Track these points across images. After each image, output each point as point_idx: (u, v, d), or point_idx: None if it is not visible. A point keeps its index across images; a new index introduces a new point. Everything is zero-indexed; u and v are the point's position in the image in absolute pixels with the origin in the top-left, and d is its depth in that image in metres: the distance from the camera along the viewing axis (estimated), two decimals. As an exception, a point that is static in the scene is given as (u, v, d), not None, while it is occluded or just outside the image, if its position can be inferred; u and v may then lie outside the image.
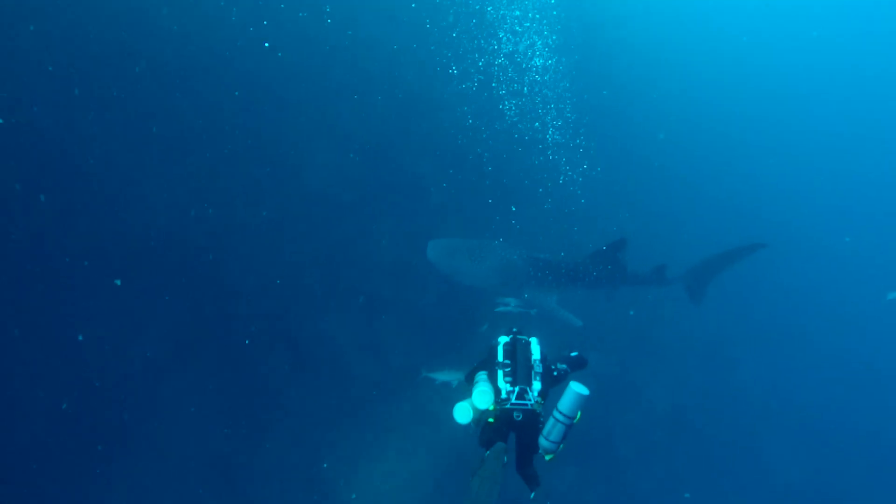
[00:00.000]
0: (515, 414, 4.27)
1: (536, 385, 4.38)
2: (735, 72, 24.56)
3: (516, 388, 4.31)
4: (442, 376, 7.56)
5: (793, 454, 12.15)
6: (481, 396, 4.26)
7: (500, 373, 4.41)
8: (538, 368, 4.44)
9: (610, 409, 10.32)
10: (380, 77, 11.82)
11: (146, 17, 9.14)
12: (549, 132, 13.28)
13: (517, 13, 13.04)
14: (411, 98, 12.07)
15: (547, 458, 4.27)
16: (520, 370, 4.39)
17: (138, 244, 8.02)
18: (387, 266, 9.81)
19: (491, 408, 4.31)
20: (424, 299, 9.55)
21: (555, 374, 4.60)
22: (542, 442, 4.21)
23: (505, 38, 13.17)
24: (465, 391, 4.58)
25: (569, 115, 13.40)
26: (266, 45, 10.30)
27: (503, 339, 4.62)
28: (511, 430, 4.35)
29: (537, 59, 13.38)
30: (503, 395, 4.31)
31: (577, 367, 4.85)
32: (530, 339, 4.63)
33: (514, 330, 4.75)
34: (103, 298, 7.55)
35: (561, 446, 4.22)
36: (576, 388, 4.15)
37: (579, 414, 4.17)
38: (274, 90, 10.43)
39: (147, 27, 9.09)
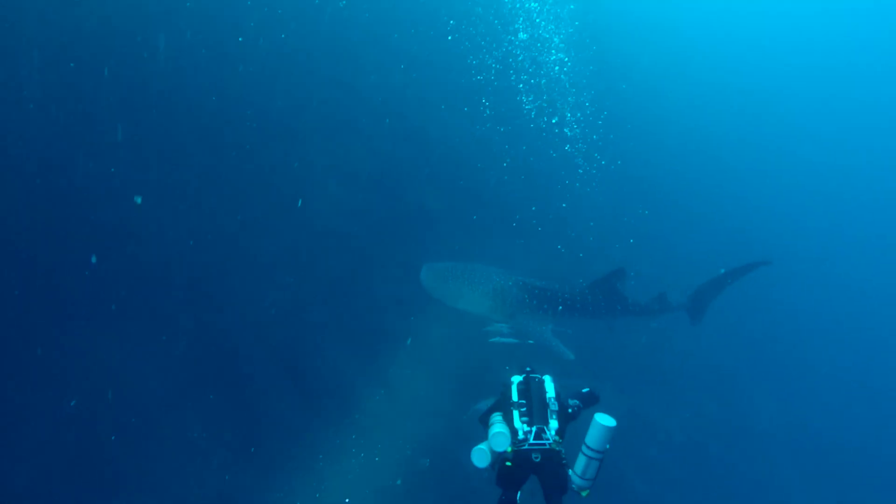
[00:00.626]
0: (534, 455, 4.13)
1: (553, 424, 4.26)
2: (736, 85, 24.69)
3: (533, 428, 4.20)
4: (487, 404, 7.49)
5: (812, 484, 11.83)
6: (498, 439, 4.13)
7: (515, 413, 4.30)
8: (554, 406, 4.34)
9: (624, 443, 10.08)
10: (385, 108, 11.92)
11: (150, 57, 9.27)
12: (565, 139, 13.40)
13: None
14: (416, 129, 12.16)
15: (584, 494, 4.17)
16: (535, 409, 4.29)
17: (142, 275, 7.98)
18: (394, 298, 9.74)
19: (508, 450, 4.17)
20: (433, 331, 9.44)
21: (569, 411, 4.50)
22: (578, 480, 4.10)
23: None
24: (481, 432, 4.44)
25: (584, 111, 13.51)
26: (268, 76, 10.41)
27: (516, 379, 4.53)
28: (531, 471, 4.20)
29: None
30: (520, 436, 4.19)
31: (590, 404, 4.75)
32: (544, 378, 4.55)
33: (527, 368, 4.66)
34: (106, 329, 7.49)
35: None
36: (602, 422, 4.04)
37: (608, 446, 4.07)
38: (279, 123, 10.51)
39: (153, 67, 9.21)
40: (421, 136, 12.16)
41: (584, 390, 4.78)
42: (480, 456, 4.19)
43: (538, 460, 4.11)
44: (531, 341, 8.50)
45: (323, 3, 11.35)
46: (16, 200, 7.55)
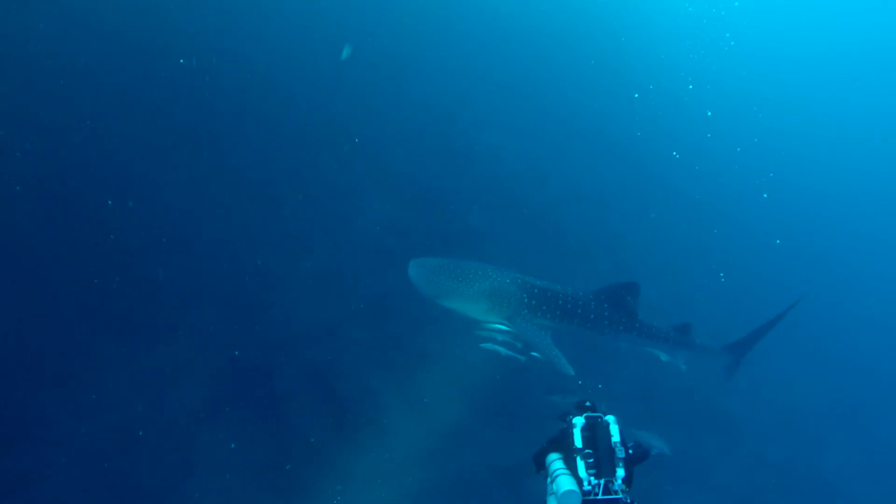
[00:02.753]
0: None
1: (620, 472, 3.84)
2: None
3: (602, 481, 3.79)
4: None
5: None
6: (570, 498, 3.71)
7: (580, 462, 3.87)
8: (620, 454, 3.90)
9: (675, 485, 9.36)
10: (430, 123, 11.73)
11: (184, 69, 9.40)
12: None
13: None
14: (462, 144, 11.90)
15: None
16: (603, 460, 3.86)
17: (179, 288, 7.99)
18: (434, 318, 9.43)
19: None
20: (472, 354, 9.09)
21: (630, 452, 4.04)
22: None
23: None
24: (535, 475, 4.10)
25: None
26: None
27: (579, 422, 4.05)
28: None
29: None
30: (586, 487, 3.78)
31: (640, 460, 4.26)
32: (607, 419, 4.07)
33: (588, 404, 4.20)
34: (142, 341, 7.51)
35: None
36: None
37: None
38: (323, 137, 10.46)
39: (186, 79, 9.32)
40: (466, 151, 11.87)
41: (630, 444, 4.27)
42: None
43: None
44: (534, 354, 7.77)
45: (362, 20, 11.29)
46: (55, 212, 7.75)
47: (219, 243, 8.54)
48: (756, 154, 19.76)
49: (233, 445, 7.50)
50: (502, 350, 8.03)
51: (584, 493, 3.75)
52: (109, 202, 7.96)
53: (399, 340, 9.19)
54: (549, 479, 3.95)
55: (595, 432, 3.95)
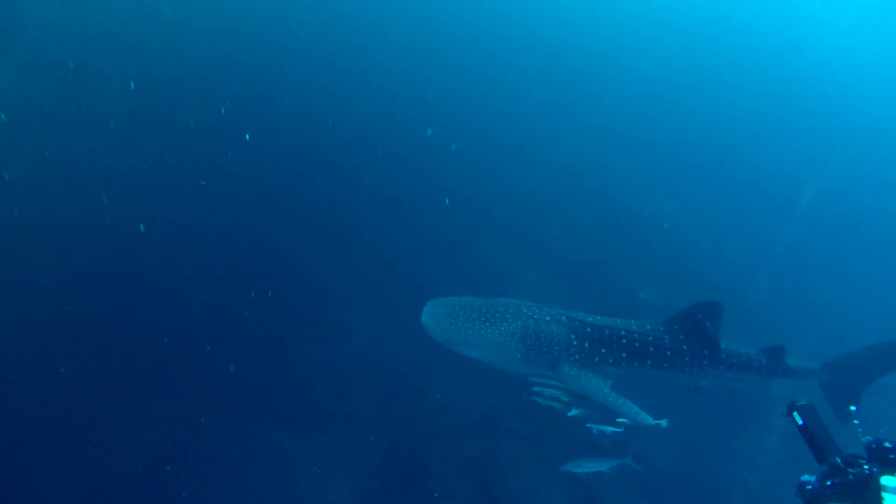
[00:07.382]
0: None
1: None
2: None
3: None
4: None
5: None
6: None
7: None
8: None
9: None
10: (588, 187, 10.92)
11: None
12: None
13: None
14: (622, 208, 10.90)
15: None
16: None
17: (334, 378, 7.74)
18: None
19: None
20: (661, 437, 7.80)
21: None
22: None
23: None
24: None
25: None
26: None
27: (867, 438, 3.45)
28: None
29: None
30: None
31: None
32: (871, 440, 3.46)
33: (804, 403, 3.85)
34: (299, 435, 7.24)
35: None
36: None
37: None
38: (469, 210, 10.02)
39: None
40: (629, 215, 10.80)
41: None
42: None
43: None
44: (621, 420, 5.90)
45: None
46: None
47: (375, 328, 8.28)
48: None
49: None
50: (557, 406, 6.19)
51: None
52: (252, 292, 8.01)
53: (565, 431, 8.18)
54: None
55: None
